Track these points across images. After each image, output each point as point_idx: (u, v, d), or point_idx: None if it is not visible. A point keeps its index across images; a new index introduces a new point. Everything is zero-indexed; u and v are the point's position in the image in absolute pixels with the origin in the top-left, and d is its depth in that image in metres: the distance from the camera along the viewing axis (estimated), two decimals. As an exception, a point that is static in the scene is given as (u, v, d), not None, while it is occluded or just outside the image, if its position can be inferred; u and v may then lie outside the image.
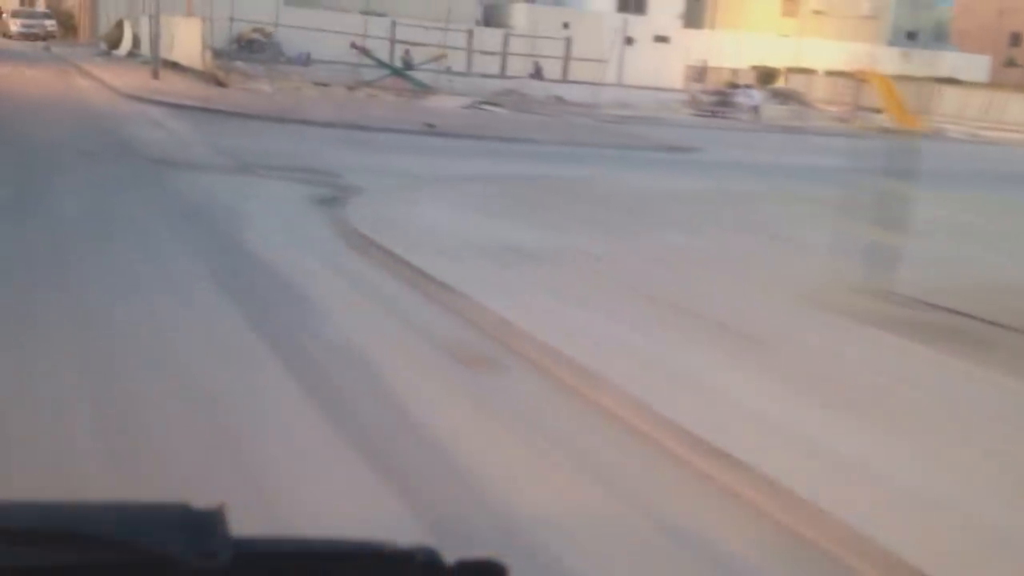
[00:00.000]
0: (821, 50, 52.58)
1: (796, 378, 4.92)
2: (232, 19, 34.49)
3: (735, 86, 34.28)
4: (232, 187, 10.23)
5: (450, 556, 0.82)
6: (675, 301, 6.35)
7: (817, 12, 54.40)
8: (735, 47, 52.13)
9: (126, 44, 35.87)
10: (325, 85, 27.19)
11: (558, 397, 4.63)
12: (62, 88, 20.89)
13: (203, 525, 0.79)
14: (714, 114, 29.62)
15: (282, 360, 4.84)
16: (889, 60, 54.96)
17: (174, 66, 26.59)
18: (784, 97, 39.17)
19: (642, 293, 6.57)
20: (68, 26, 49.38)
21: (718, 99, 31.11)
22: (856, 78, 33.12)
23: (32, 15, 49.30)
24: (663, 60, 52.45)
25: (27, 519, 0.78)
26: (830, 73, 50.49)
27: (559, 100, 32.63)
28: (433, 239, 7.91)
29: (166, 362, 4.65)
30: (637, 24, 51.91)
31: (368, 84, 26.82)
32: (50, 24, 48.60)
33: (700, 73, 33.96)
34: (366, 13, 47.34)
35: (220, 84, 23.34)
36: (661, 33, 51.46)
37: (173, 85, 22.29)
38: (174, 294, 5.88)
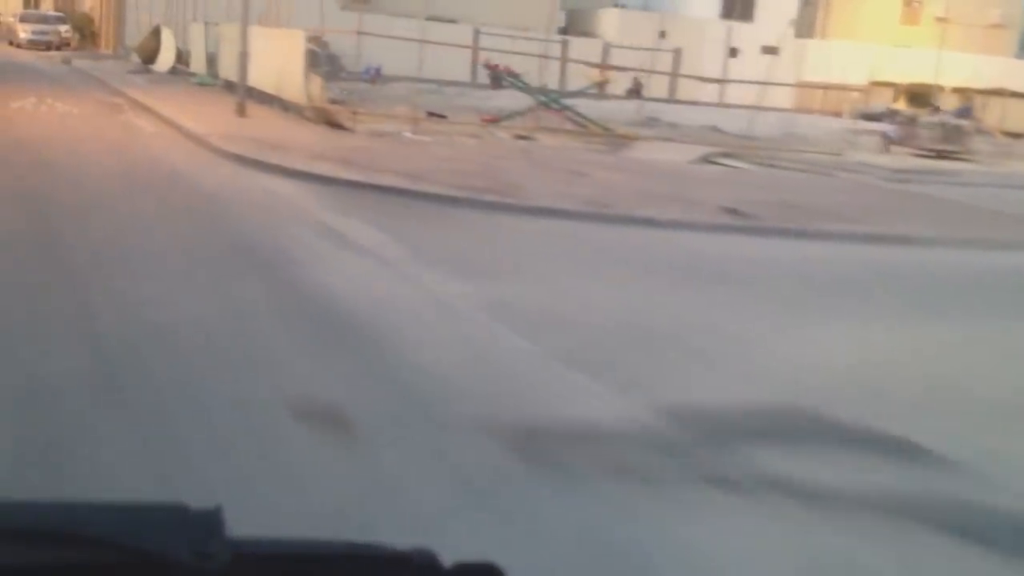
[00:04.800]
0: (948, 62, 45.59)
1: None
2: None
3: (938, 109, 27.39)
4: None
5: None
6: None
7: (940, 20, 47.54)
8: (851, 59, 45.19)
9: (167, 58, 28.75)
10: (440, 116, 20.31)
11: None
12: (121, 139, 13.91)
13: (201, 526, 0.78)
14: (940, 154, 22.66)
15: None
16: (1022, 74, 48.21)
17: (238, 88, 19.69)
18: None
19: None
20: (86, 33, 42.20)
21: (936, 129, 24.17)
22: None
23: (44, 20, 42.13)
24: (771, 74, 45.42)
25: (26, 519, 0.76)
26: (959, 90, 43.47)
27: (716, 131, 25.78)
28: None
29: None
30: (743, 33, 45.15)
31: (508, 119, 19.94)
32: (65, 30, 41.53)
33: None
34: (433, 19, 40.51)
35: (332, 124, 16.43)
36: (769, 43, 44.57)
37: (274, 129, 15.39)
38: None
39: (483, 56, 22.75)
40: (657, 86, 40.84)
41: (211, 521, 0.79)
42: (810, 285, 8.31)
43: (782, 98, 45.69)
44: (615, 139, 18.47)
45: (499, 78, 22.25)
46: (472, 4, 42.01)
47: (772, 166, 16.14)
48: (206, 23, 25.25)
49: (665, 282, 7.93)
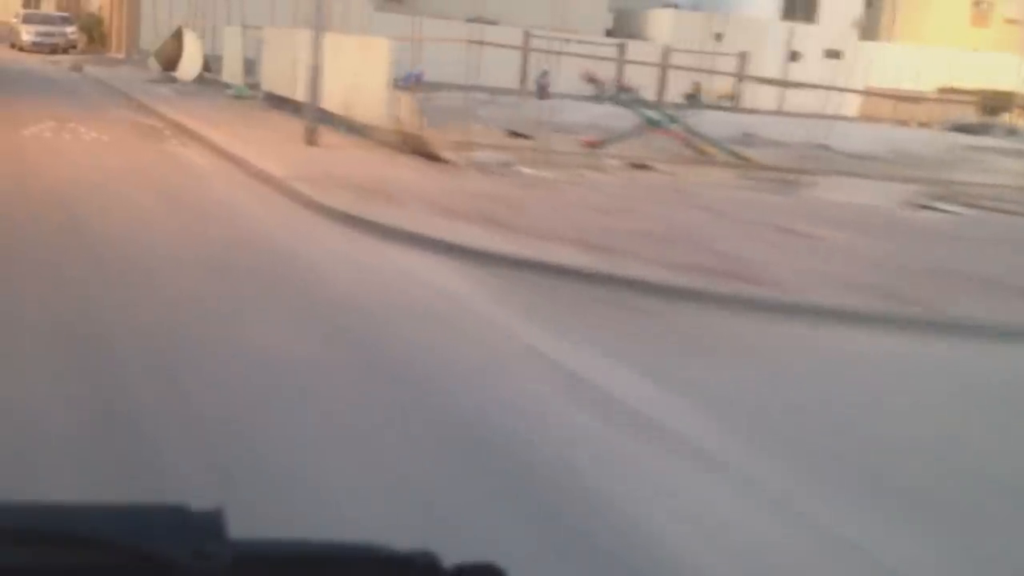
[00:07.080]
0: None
1: None
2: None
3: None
4: None
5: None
6: None
7: (1010, 21, 44.09)
8: (917, 63, 41.82)
9: (191, 65, 25.24)
10: (522, 136, 17.06)
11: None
12: (175, 184, 10.51)
13: (202, 527, 0.77)
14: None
15: None
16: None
17: (286, 104, 16.40)
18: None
19: None
20: (95, 35, 38.72)
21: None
22: None
23: (49, 20, 38.69)
24: (834, 79, 41.88)
25: (26, 520, 0.76)
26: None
27: (826, 150, 22.46)
28: None
29: None
30: (804, 35, 41.86)
31: (614, 141, 16.66)
32: (71, 32, 38.16)
33: None
34: (474, 20, 37.25)
35: (424, 154, 13.11)
36: (833, 46, 41.29)
37: (359, 164, 12.09)
38: None
39: (586, 67, 19.38)
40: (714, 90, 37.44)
41: (212, 522, 0.77)
42: None
43: (847, 105, 42.32)
44: (760, 171, 15.13)
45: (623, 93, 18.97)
46: (515, 5, 38.82)
47: (988, 209, 12.79)
48: (243, 26, 21.90)
49: None
